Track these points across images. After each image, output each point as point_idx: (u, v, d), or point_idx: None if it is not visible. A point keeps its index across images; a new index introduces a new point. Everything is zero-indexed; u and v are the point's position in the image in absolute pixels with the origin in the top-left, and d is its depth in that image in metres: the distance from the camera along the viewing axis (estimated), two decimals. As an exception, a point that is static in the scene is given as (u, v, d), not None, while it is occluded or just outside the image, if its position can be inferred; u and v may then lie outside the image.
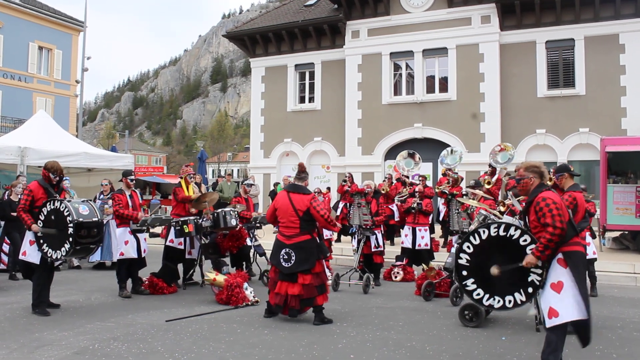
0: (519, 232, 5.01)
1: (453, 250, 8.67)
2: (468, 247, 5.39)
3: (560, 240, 4.60)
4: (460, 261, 5.48)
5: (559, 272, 4.65)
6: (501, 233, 5.11)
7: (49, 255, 7.02)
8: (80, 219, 6.94)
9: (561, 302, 4.57)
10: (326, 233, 11.33)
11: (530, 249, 4.90)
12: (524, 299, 5.16)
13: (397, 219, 12.75)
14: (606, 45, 18.72)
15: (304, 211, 6.82)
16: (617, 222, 13.03)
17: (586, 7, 18.95)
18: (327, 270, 9.44)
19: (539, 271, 4.87)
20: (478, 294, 5.42)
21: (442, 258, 10.47)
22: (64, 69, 34.12)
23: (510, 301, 5.24)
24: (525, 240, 4.95)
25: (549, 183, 5.66)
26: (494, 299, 5.34)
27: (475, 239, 5.32)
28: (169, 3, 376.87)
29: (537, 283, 4.93)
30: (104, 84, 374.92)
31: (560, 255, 4.67)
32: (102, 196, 11.45)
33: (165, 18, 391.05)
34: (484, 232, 5.24)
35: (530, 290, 5.05)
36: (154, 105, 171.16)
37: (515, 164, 15.59)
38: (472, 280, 5.44)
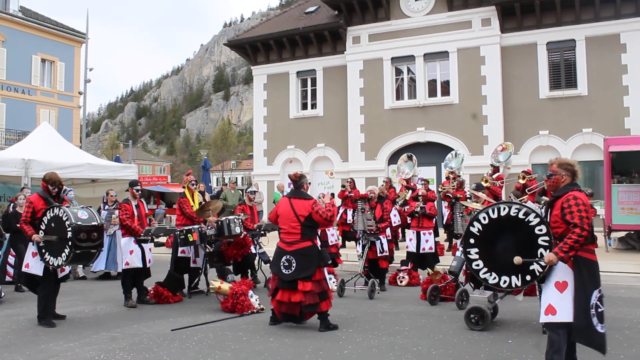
0: (537, 220, 4.98)
1: (458, 253, 8.65)
2: (484, 217, 5.42)
3: (585, 243, 4.52)
4: (472, 228, 5.54)
5: (566, 272, 4.58)
6: (520, 216, 5.10)
7: (51, 263, 7.03)
8: (79, 223, 6.95)
9: (561, 301, 4.54)
10: (331, 239, 11.33)
11: (542, 240, 4.87)
12: (519, 284, 5.20)
13: (394, 223, 12.74)
14: (607, 45, 18.71)
15: (305, 216, 6.80)
16: (623, 222, 12.98)
17: (586, 8, 18.94)
18: (332, 277, 9.46)
19: (543, 263, 4.83)
20: (477, 265, 5.49)
21: (447, 262, 10.44)
22: (67, 81, 34.31)
23: (505, 282, 5.30)
24: (540, 230, 4.92)
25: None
26: (491, 275, 5.41)
27: (493, 212, 5.34)
28: (171, 13, 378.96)
29: (537, 274, 4.93)
30: (107, 94, 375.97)
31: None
32: (107, 206, 11.49)
33: (167, 28, 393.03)
34: (504, 209, 5.27)
35: (528, 278, 5.07)
36: (157, 115, 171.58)
37: (521, 166, 15.65)
38: (476, 250, 5.51)
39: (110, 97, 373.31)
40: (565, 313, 4.51)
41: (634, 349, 5.79)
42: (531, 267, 4.99)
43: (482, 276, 5.47)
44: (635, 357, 5.53)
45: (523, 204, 5.32)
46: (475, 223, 5.51)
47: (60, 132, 17.64)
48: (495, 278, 5.38)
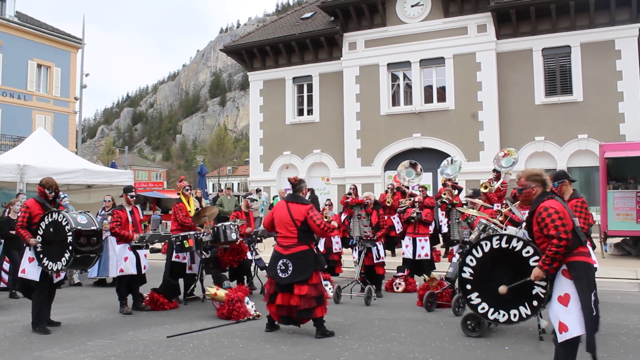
0: (521, 243, 4.94)
1: (454, 260, 8.65)
2: (471, 260, 5.37)
3: (567, 251, 4.39)
4: (463, 275, 5.47)
5: (565, 284, 4.43)
6: (503, 245, 5.06)
7: (50, 268, 6.98)
8: (79, 227, 6.94)
9: (569, 315, 4.35)
10: (335, 247, 11.29)
11: (534, 261, 4.80)
12: (529, 312, 5.14)
13: (397, 231, 12.70)
14: (602, 51, 18.80)
15: (301, 221, 6.78)
16: (618, 228, 12.99)
17: (581, 14, 19.04)
18: (328, 283, 9.44)
19: (543, 283, 4.73)
20: (483, 308, 5.41)
21: (443, 268, 10.43)
22: (63, 86, 34.26)
23: (515, 315, 5.24)
24: (528, 252, 4.88)
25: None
26: (499, 313, 5.34)
27: (477, 251, 5.30)
28: (167, 19, 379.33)
29: (542, 296, 4.87)
30: (103, 100, 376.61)
31: (564, 267, 4.45)
32: (103, 212, 11.45)
33: (163, 33, 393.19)
34: (486, 244, 5.22)
35: (535, 303, 5.01)
36: (153, 121, 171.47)
37: (517, 172, 15.64)
38: (476, 294, 5.42)
39: (106, 103, 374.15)
40: (576, 326, 4.34)
41: (630, 355, 5.77)
42: (534, 292, 4.94)
43: (491, 317, 5.39)
44: (632, 363, 5.52)
45: (502, 232, 5.27)
46: (465, 268, 5.44)
47: (55, 137, 17.59)
48: (504, 315, 5.32)
